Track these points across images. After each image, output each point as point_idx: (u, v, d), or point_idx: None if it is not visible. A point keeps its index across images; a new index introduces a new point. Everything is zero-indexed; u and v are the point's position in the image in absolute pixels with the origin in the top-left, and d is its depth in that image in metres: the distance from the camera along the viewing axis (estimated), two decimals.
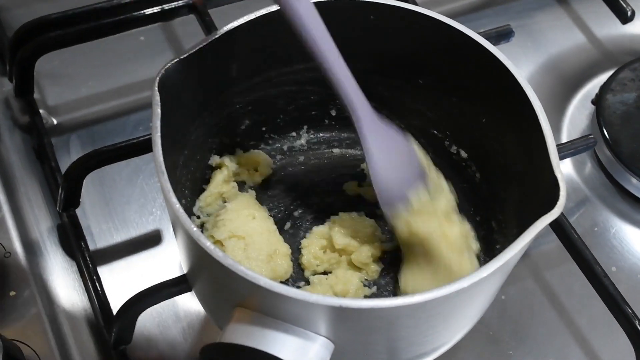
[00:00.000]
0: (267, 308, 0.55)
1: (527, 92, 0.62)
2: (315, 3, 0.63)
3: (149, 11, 0.87)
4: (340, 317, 0.54)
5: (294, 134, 0.79)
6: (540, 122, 0.60)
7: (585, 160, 0.88)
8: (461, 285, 0.52)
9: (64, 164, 0.76)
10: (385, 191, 0.67)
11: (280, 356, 0.54)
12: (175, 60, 0.61)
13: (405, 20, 0.67)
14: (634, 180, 0.83)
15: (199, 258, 0.57)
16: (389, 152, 0.67)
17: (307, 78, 0.72)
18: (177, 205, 0.55)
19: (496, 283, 0.62)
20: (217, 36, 0.64)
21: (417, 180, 0.68)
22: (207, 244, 0.53)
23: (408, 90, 0.73)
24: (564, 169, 0.87)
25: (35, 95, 0.86)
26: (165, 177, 0.56)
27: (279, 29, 0.66)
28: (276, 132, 0.78)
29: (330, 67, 0.62)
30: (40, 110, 0.85)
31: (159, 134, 0.58)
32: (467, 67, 0.67)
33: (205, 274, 0.60)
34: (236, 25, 0.64)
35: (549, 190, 0.57)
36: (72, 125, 0.86)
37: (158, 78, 0.60)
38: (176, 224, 0.58)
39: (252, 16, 0.65)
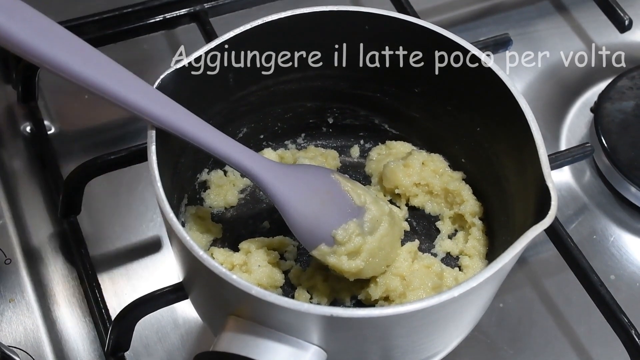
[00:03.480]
0: (259, 317, 0.55)
1: (519, 102, 0.61)
2: (310, 13, 0.63)
3: (151, 20, 0.88)
4: (332, 326, 0.54)
5: (291, 141, 0.79)
6: (532, 132, 0.60)
7: (584, 168, 0.88)
8: (451, 294, 0.52)
9: (66, 171, 0.77)
10: (306, 235, 0.64)
11: None
12: (172, 70, 0.62)
13: (399, 30, 0.67)
14: (633, 189, 0.83)
15: (193, 267, 0.57)
16: (303, 199, 0.64)
17: (304, 86, 0.72)
18: (171, 215, 0.56)
19: (488, 292, 0.62)
20: (213, 45, 0.64)
21: (346, 218, 0.65)
22: (200, 253, 0.53)
23: (403, 98, 0.73)
24: (563, 177, 0.87)
25: (39, 103, 0.87)
26: (159, 186, 0.57)
27: (276, 37, 0.67)
28: (274, 140, 0.78)
29: (212, 147, 0.61)
30: (43, 118, 0.86)
31: (154, 143, 0.59)
32: (461, 76, 0.67)
33: (199, 282, 0.61)
34: (233, 35, 0.65)
35: (541, 200, 0.57)
36: (74, 132, 0.87)
37: (154, 88, 0.61)
38: (170, 233, 0.59)
39: (248, 26, 0.65)
